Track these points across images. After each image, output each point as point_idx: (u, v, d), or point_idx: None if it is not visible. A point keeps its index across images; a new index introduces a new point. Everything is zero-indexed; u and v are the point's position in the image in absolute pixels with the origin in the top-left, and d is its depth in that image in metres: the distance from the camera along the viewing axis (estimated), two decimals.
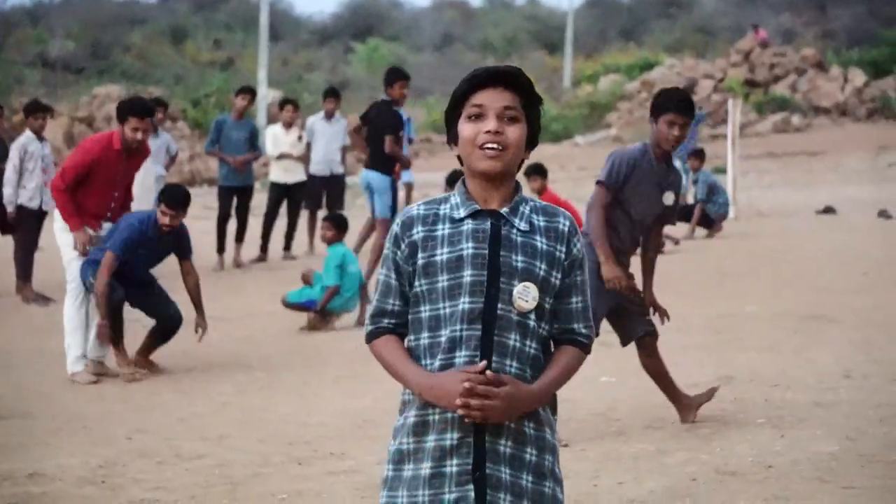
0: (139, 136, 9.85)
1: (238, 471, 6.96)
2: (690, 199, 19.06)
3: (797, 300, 11.95)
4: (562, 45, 50.32)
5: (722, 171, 23.50)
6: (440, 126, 39.10)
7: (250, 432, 7.92)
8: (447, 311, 3.37)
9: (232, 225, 16.51)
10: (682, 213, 18.81)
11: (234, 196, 16.49)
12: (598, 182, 7.39)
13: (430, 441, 3.37)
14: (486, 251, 3.36)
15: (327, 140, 17.09)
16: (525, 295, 3.35)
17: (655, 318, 7.66)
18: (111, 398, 9.34)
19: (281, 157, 17.00)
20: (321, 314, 11.97)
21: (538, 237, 3.41)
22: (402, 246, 3.44)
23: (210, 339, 10.66)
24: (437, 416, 3.36)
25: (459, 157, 3.47)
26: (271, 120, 26.99)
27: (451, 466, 3.34)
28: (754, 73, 41.21)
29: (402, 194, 15.46)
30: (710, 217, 18.30)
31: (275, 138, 17.06)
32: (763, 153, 31.82)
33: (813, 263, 13.41)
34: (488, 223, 3.39)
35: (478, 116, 3.40)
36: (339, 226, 12.20)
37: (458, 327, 3.35)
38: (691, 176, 18.95)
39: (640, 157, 7.37)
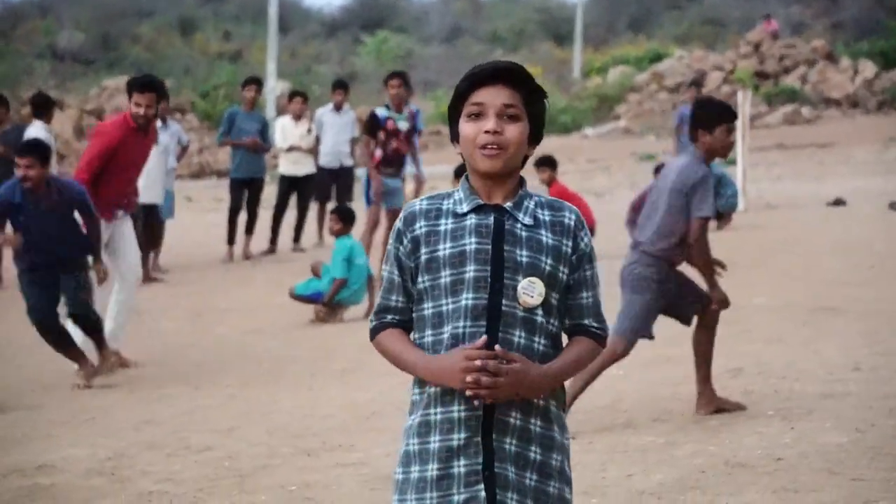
0: (142, 111, 9.78)
1: (246, 463, 6.96)
2: None
3: (806, 292, 11.93)
4: (571, 37, 50.23)
5: (731, 162, 23.44)
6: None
7: (258, 424, 7.92)
8: (450, 307, 3.33)
9: (242, 217, 16.54)
10: None
11: (246, 188, 16.52)
12: (705, 217, 7.33)
13: (435, 442, 3.32)
14: (490, 246, 3.31)
15: (336, 132, 17.09)
16: (530, 290, 3.30)
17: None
18: (117, 390, 9.34)
19: (290, 149, 17.00)
20: (329, 306, 11.97)
21: (543, 231, 3.36)
22: (405, 241, 3.39)
23: (218, 332, 10.67)
24: (439, 416, 3.32)
25: (462, 156, 3.44)
26: (280, 112, 26.96)
27: (459, 467, 3.29)
28: (764, 64, 41.13)
29: (409, 188, 15.48)
30: (718, 210, 18.25)
31: (284, 130, 17.06)
32: (773, 145, 31.77)
33: (822, 255, 13.39)
34: (492, 218, 3.35)
35: (478, 115, 3.36)
36: (346, 218, 12.19)
37: (461, 324, 3.30)
38: None
39: (709, 171, 7.38)
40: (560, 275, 3.37)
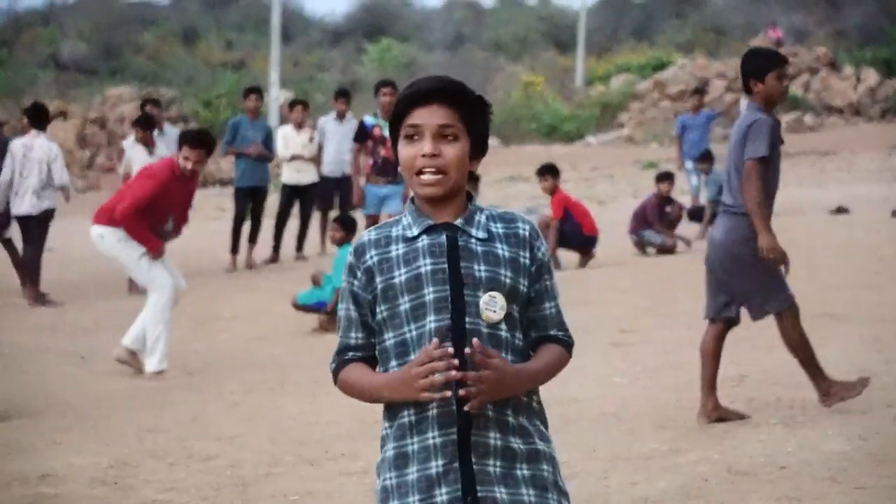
0: (189, 165, 10.15)
1: (249, 471, 6.96)
2: (702, 200, 19.04)
3: (809, 299, 11.88)
4: (574, 45, 50.25)
5: None
6: None
7: (261, 432, 7.92)
8: (413, 334, 3.21)
9: (245, 226, 16.56)
10: (693, 213, 18.79)
11: (250, 197, 16.54)
12: (760, 158, 7.27)
13: (413, 473, 3.20)
14: (446, 265, 3.21)
15: (339, 141, 17.09)
16: (492, 305, 3.20)
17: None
18: (120, 398, 9.35)
19: (293, 158, 17.00)
20: (331, 315, 11.96)
21: (499, 244, 3.26)
22: (359, 274, 3.28)
23: (221, 340, 10.68)
24: (416, 446, 3.20)
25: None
26: (283, 121, 26.99)
27: (441, 496, 3.17)
28: None
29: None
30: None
31: (286, 139, 17.05)
32: None
33: (825, 262, 13.38)
34: (444, 236, 3.24)
35: (414, 137, 3.25)
36: (347, 227, 12.21)
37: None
38: (703, 178, 18.90)
39: (769, 117, 7.38)
40: (521, 287, 3.26)
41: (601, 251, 15.81)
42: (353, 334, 3.32)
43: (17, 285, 14.29)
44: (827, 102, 39.66)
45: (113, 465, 7.13)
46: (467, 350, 3.12)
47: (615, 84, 43.93)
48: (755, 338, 10.26)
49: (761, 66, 7.42)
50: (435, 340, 3.14)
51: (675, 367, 9.19)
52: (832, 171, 27.92)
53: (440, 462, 3.18)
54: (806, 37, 48.82)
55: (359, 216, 14.33)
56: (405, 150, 3.26)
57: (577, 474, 6.36)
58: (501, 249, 3.25)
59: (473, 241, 3.24)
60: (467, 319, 3.18)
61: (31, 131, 13.98)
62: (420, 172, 3.24)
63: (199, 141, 10.27)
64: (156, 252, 10.17)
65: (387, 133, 13.88)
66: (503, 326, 3.23)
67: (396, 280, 3.22)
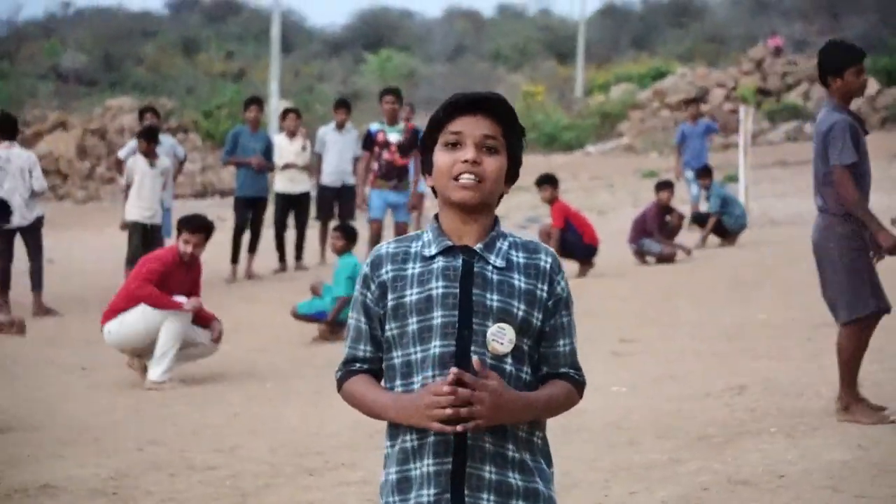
0: (189, 248, 10.31)
1: (249, 482, 6.96)
2: (703, 207, 19.05)
3: (809, 308, 11.89)
4: (573, 55, 50.31)
5: (734, 179, 23.48)
6: None
7: (261, 443, 7.91)
8: (418, 356, 3.15)
9: (246, 236, 16.56)
10: (697, 218, 18.77)
11: (250, 207, 16.54)
12: (843, 164, 7.30)
13: (412, 499, 3.15)
14: (457, 290, 3.13)
15: (339, 151, 17.11)
16: (500, 337, 3.12)
17: None
18: (121, 409, 9.35)
19: (285, 167, 17.00)
20: (332, 325, 11.97)
21: (516, 275, 3.17)
22: (372, 287, 3.22)
23: (222, 350, 10.67)
24: (417, 472, 3.14)
25: (434, 189, 3.25)
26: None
27: None
28: (766, 81, 41.19)
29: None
30: (726, 228, 18.25)
31: (279, 148, 17.00)
32: (775, 161, 31.76)
33: None
34: (460, 260, 3.16)
35: (455, 145, 3.18)
36: (348, 236, 12.22)
37: (430, 373, 3.11)
38: (703, 192, 18.89)
39: (845, 117, 7.38)
40: (534, 321, 3.18)
41: (601, 261, 15.81)
42: (361, 346, 3.26)
43: (18, 298, 14.28)
44: None
45: (113, 476, 7.12)
46: (461, 374, 3.05)
47: (615, 93, 43.99)
48: (756, 347, 10.27)
49: (840, 61, 7.38)
50: (454, 370, 3.05)
51: (675, 377, 9.19)
52: None
53: (432, 491, 3.12)
54: (806, 46, 48.83)
55: (362, 224, 14.37)
56: (443, 156, 3.20)
57: (578, 484, 6.35)
58: (518, 280, 3.18)
59: (490, 268, 3.16)
60: (473, 349, 3.11)
61: (4, 143, 13.96)
62: (457, 178, 3.17)
63: (199, 225, 10.47)
64: (179, 307, 10.22)
65: (391, 138, 14.07)
66: (508, 360, 3.15)
67: (408, 299, 3.16)
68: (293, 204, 17.14)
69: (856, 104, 38.40)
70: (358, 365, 3.27)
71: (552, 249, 3.28)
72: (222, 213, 24.96)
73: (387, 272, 3.20)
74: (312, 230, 17.76)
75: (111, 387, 10.34)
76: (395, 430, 3.21)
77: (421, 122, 19.30)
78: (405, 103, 17.98)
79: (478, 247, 3.18)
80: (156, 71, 49.71)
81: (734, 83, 40.83)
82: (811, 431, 7.17)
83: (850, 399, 7.42)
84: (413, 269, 3.19)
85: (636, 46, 57.82)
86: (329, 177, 17.12)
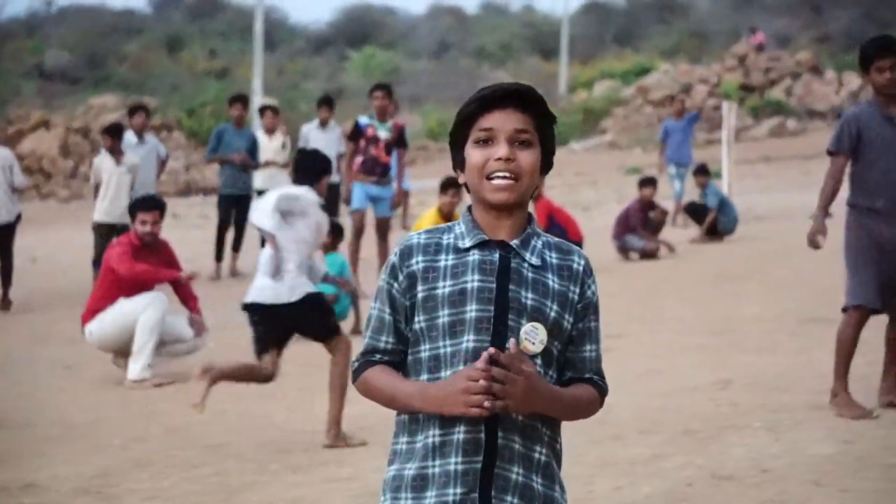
0: (147, 227, 10.23)
1: (235, 479, 6.95)
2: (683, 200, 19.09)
3: (795, 302, 11.95)
4: (557, 51, 50.34)
5: (717, 175, 23.51)
6: (436, 132, 39.08)
7: (247, 440, 7.91)
8: (448, 350, 3.05)
9: (229, 234, 16.54)
10: (691, 209, 18.73)
11: (233, 205, 16.50)
12: (827, 151, 7.65)
13: (431, 498, 3.03)
14: (494, 284, 3.04)
15: (322, 148, 16.83)
16: (532, 336, 3.03)
17: None
18: (106, 407, 9.33)
19: (266, 164, 16.96)
20: None
21: (550, 275, 3.09)
22: (400, 277, 3.10)
23: (206, 347, 10.66)
24: (437, 469, 3.02)
25: (466, 185, 3.15)
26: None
27: None
28: (749, 77, 41.25)
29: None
30: (717, 228, 18.25)
31: (258, 146, 16.96)
32: (759, 157, 31.84)
33: (810, 266, 13.38)
34: (497, 254, 3.07)
35: (487, 141, 3.08)
36: (335, 233, 12.19)
37: (460, 368, 3.01)
38: (700, 191, 18.82)
39: (861, 111, 7.54)
40: (564, 323, 3.10)
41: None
42: (383, 338, 3.13)
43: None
44: (810, 107, 39.76)
45: (97, 474, 7.12)
46: (497, 354, 2.95)
47: (599, 90, 44.02)
48: (742, 341, 10.29)
49: (865, 58, 7.51)
50: (485, 354, 2.95)
51: (661, 372, 9.20)
52: (816, 175, 27.96)
53: (458, 490, 3.01)
54: (789, 42, 48.96)
55: (344, 222, 14.37)
56: (476, 154, 3.09)
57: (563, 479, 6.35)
58: (552, 281, 3.09)
59: (526, 265, 3.08)
60: (507, 346, 2.99)
61: None
62: (491, 177, 3.07)
63: (151, 204, 10.41)
64: (176, 277, 10.30)
65: (381, 134, 14.04)
66: (538, 361, 3.05)
67: (440, 291, 3.06)
68: None
69: (837, 99, 38.49)
70: (378, 356, 3.14)
71: (584, 252, 3.20)
72: (206, 211, 24.95)
73: (417, 262, 3.09)
74: None
75: (95, 384, 10.33)
76: (414, 425, 3.10)
77: (406, 118, 19.36)
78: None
79: (514, 243, 3.09)
80: (139, 69, 49.58)
81: (717, 79, 40.88)
82: (795, 426, 7.19)
83: (839, 389, 7.47)
84: (446, 260, 3.09)
85: (619, 43, 57.87)
86: None
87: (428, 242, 3.12)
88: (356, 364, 3.18)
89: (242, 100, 17.26)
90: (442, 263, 3.08)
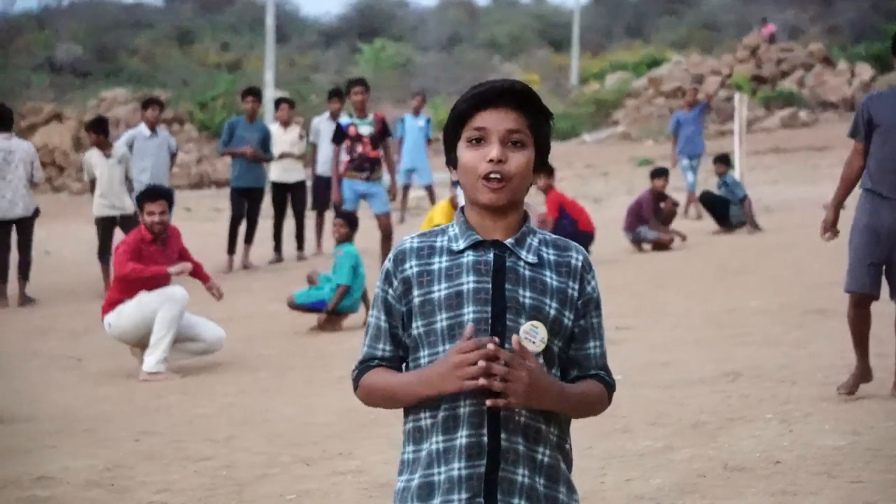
0: (156, 218, 10.18)
1: (244, 472, 6.96)
2: (697, 191, 19.04)
3: (801, 295, 11.93)
4: (568, 43, 50.30)
5: (730, 166, 23.45)
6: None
7: (256, 433, 7.91)
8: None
9: (242, 226, 16.56)
10: (705, 199, 18.66)
11: (246, 198, 16.52)
12: (849, 136, 7.70)
13: None
14: (490, 285, 2.99)
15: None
16: (532, 335, 2.97)
17: None
18: (115, 400, 9.34)
19: (281, 156, 16.99)
20: (330, 315, 11.93)
21: (548, 272, 3.04)
22: (395, 283, 3.07)
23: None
24: (442, 476, 2.98)
25: (459, 183, 3.09)
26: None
27: None
28: (761, 68, 41.17)
29: (420, 193, 15.67)
30: (730, 219, 18.19)
31: (273, 138, 16.98)
32: (770, 149, 31.78)
33: (818, 258, 13.38)
34: (492, 254, 3.03)
35: (479, 140, 3.02)
36: (351, 224, 12.19)
37: None
38: (718, 180, 18.73)
39: (878, 94, 7.64)
40: (565, 321, 3.05)
41: (596, 248, 15.81)
42: (380, 345, 3.10)
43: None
44: (821, 98, 39.67)
45: (108, 467, 7.13)
46: (498, 351, 2.90)
47: (610, 82, 43.97)
48: (749, 333, 10.28)
49: (893, 46, 7.61)
50: (470, 325, 2.94)
51: (669, 364, 9.20)
52: (826, 167, 27.87)
53: (463, 496, 2.97)
54: (800, 33, 48.89)
55: (366, 208, 14.42)
56: (468, 155, 3.03)
57: (573, 473, 6.34)
58: (550, 278, 3.04)
59: (522, 263, 3.03)
60: (505, 346, 2.93)
61: (3, 134, 13.98)
62: (483, 178, 3.01)
63: (158, 193, 10.37)
64: (165, 275, 10.24)
65: (363, 130, 14.07)
66: (540, 360, 2.99)
67: (436, 295, 3.02)
68: (289, 193, 17.13)
69: (849, 90, 38.42)
70: (376, 363, 3.11)
71: (582, 248, 3.16)
72: (218, 204, 24.98)
73: (411, 267, 3.05)
74: (309, 220, 17.74)
75: (105, 378, 10.34)
76: (418, 434, 3.06)
77: (426, 112, 19.41)
78: (416, 92, 18.06)
79: (508, 241, 3.05)
80: (150, 62, 49.65)
81: (729, 70, 40.81)
82: (804, 417, 7.18)
83: (861, 369, 7.61)
84: (440, 263, 3.04)
85: (630, 34, 57.84)
86: (324, 167, 17.10)
87: (421, 246, 3.08)
88: (355, 373, 3.15)
89: (255, 93, 17.26)
90: (436, 266, 3.04)
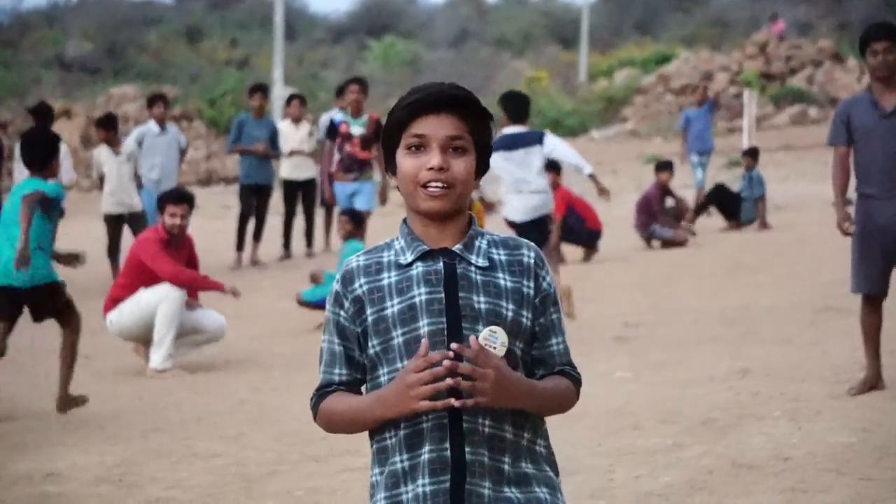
0: (177, 220, 10.16)
1: (254, 469, 6.97)
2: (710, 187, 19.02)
3: (812, 292, 11.92)
4: (577, 40, 50.23)
5: (737, 163, 23.45)
6: None
7: (266, 430, 7.92)
8: None
9: (251, 223, 16.58)
10: (714, 197, 18.63)
11: (255, 195, 16.54)
12: (828, 145, 7.77)
13: None
14: (443, 294, 2.91)
15: None
16: (492, 341, 2.88)
17: None
18: (125, 397, 9.36)
19: (291, 153, 17.00)
20: None
21: (500, 273, 2.96)
22: (346, 304, 2.99)
23: (226, 338, 10.68)
24: (409, 495, 2.93)
25: (399, 189, 3.02)
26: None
27: None
28: (770, 65, 41.09)
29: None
30: (740, 216, 18.16)
31: (284, 135, 17.00)
32: (779, 146, 31.73)
33: (828, 255, 13.36)
34: (441, 263, 2.94)
35: (419, 147, 2.94)
36: (357, 221, 12.20)
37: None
38: (745, 173, 18.68)
39: (854, 100, 7.68)
40: (523, 321, 2.97)
41: (605, 246, 15.82)
42: (336, 370, 3.02)
43: None
44: (831, 95, 39.58)
45: (118, 463, 7.14)
46: (461, 349, 2.83)
47: (619, 78, 43.90)
48: (759, 331, 10.28)
49: (863, 42, 7.58)
50: (425, 342, 2.87)
51: (679, 362, 9.19)
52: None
53: None
54: (809, 29, 48.78)
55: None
56: (407, 162, 2.95)
57: (582, 469, 6.36)
58: (503, 279, 2.96)
59: (473, 269, 2.95)
60: (464, 356, 2.84)
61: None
62: (425, 186, 2.94)
63: (181, 196, 10.34)
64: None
65: (354, 130, 14.08)
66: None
67: (389, 311, 2.93)
68: (299, 190, 17.14)
69: (859, 87, 38.38)
70: (334, 388, 3.02)
71: (533, 244, 3.07)
72: (227, 201, 24.99)
73: (360, 286, 2.97)
74: (318, 217, 17.75)
75: (114, 375, 10.36)
76: (382, 455, 3.00)
77: None
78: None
79: (457, 248, 2.96)
80: (159, 59, 49.65)
81: (738, 67, 40.74)
82: (814, 415, 7.18)
83: (873, 369, 7.60)
84: (390, 278, 2.96)
85: (639, 31, 57.74)
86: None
87: (368, 263, 3.00)
88: (313, 400, 3.07)
89: (262, 89, 17.28)
90: (386, 282, 2.96)
